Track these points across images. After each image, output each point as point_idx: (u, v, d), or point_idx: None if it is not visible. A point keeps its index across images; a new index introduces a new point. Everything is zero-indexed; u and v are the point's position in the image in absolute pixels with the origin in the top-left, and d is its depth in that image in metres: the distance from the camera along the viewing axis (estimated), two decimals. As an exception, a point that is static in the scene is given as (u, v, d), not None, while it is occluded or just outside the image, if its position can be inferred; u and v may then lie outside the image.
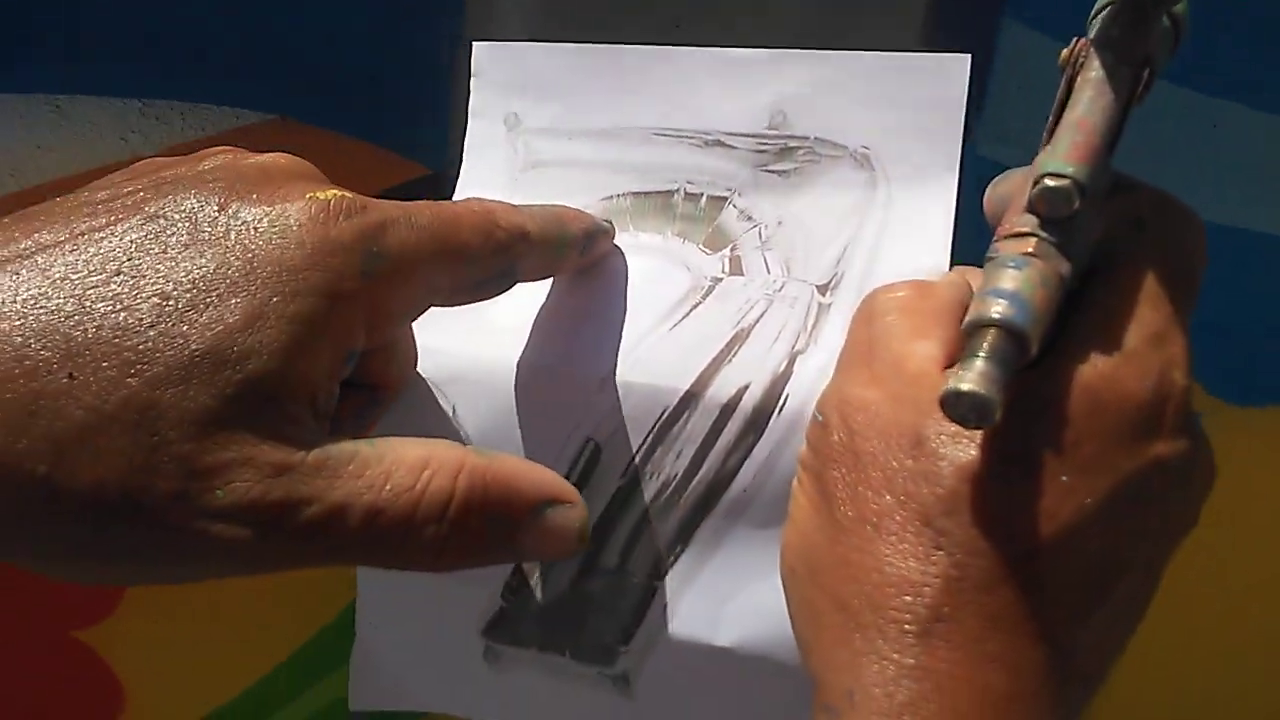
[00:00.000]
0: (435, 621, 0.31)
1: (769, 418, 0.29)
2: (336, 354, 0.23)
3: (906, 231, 0.31)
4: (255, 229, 0.22)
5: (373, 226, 0.23)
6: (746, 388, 0.30)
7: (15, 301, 0.20)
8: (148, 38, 0.42)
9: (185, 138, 0.44)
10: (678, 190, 0.33)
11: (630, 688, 0.30)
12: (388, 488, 0.22)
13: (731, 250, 0.32)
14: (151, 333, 0.20)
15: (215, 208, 0.22)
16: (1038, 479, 0.22)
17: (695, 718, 0.30)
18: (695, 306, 0.31)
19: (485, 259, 0.26)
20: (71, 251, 0.21)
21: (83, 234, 0.21)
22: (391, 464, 0.22)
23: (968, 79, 0.30)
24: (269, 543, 0.21)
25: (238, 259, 0.21)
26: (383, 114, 0.45)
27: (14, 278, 0.21)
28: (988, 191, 0.29)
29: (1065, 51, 0.25)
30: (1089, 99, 0.24)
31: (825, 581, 0.24)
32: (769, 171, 0.32)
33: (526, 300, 0.32)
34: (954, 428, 0.23)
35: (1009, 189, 0.28)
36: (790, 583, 0.26)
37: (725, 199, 0.32)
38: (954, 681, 0.22)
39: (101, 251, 0.21)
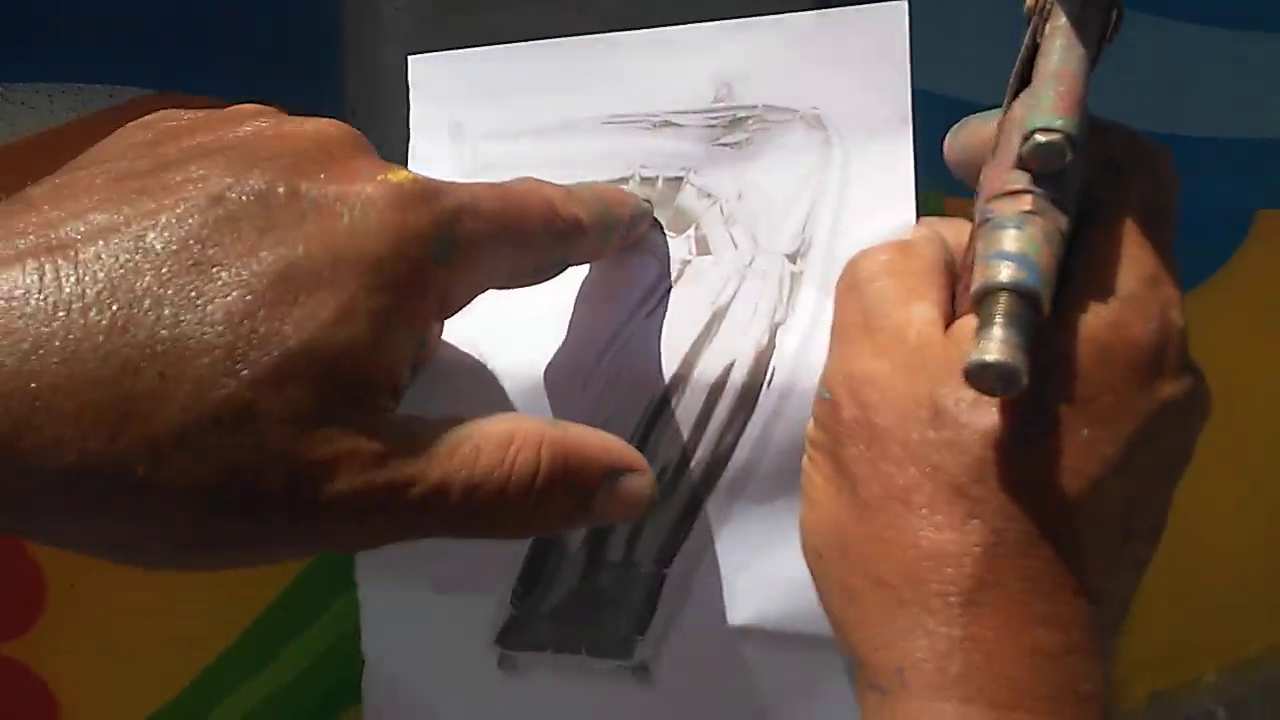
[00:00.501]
0: (445, 637, 0.31)
1: (758, 392, 0.29)
2: (413, 342, 0.23)
3: (868, 188, 0.31)
4: (333, 215, 0.21)
5: (448, 213, 0.23)
6: (732, 365, 0.30)
7: (89, 295, 0.19)
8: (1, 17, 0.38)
9: (57, 120, 0.41)
10: (632, 176, 0.33)
11: (650, 676, 0.30)
12: (480, 464, 0.22)
13: (695, 230, 0.32)
14: (243, 329, 0.20)
15: (285, 190, 0.21)
16: (1060, 436, 0.23)
17: (717, 699, 0.30)
18: (668, 291, 0.31)
19: (547, 248, 0.26)
20: (137, 237, 0.20)
21: (143, 217, 0.20)
22: (480, 440, 0.22)
23: (907, 24, 0.30)
24: (376, 524, 0.21)
25: (319, 248, 0.21)
26: (270, 76, 0.43)
27: (81, 268, 0.19)
28: (947, 140, 0.29)
29: (1030, 0, 0.26)
30: (1062, 47, 0.24)
31: (858, 561, 0.24)
32: (721, 145, 0.32)
33: (499, 303, 0.31)
34: (972, 394, 0.23)
35: (971, 139, 0.28)
36: (818, 565, 0.26)
37: (681, 179, 0.32)
38: (1003, 648, 0.22)
39: (171, 239, 0.20)
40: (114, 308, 0.19)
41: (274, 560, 0.23)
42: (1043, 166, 0.23)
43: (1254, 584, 0.93)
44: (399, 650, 0.31)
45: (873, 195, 0.31)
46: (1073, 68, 0.24)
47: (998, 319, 0.22)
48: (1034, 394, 0.23)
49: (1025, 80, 0.26)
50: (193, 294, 0.20)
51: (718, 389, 0.30)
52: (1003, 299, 0.22)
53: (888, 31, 0.30)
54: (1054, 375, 0.23)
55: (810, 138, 0.31)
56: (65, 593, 0.50)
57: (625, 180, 0.33)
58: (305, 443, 0.20)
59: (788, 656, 0.29)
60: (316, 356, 0.20)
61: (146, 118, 0.24)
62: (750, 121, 0.32)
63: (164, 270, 0.20)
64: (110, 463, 0.19)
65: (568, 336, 0.30)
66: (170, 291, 0.20)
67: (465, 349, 0.30)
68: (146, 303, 0.19)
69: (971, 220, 0.29)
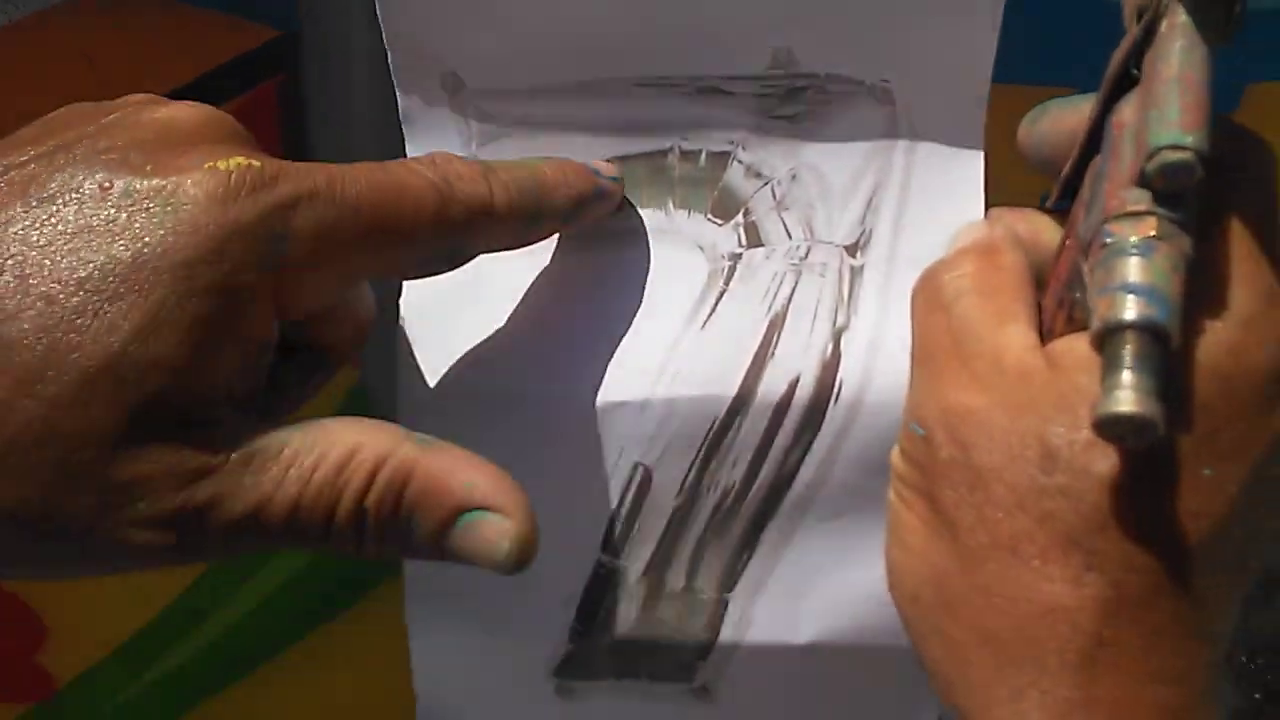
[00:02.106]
0: (500, 672, 0.30)
1: (825, 409, 0.27)
2: (246, 350, 0.21)
3: (936, 175, 0.28)
4: (146, 211, 0.20)
5: (281, 204, 0.21)
6: (797, 381, 0.27)
7: None
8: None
9: None
10: (671, 150, 0.29)
11: (712, 696, 0.29)
12: (312, 481, 0.21)
13: (744, 216, 0.29)
14: (40, 347, 0.19)
15: (100, 187, 0.20)
16: (1182, 479, 0.22)
17: (780, 714, 0.29)
18: (721, 296, 0.28)
19: (431, 240, 0.24)
20: None
21: None
22: (321, 454, 0.21)
23: (1002, 5, 0.26)
24: (194, 540, 0.21)
25: (126, 250, 0.20)
26: None
27: None
28: (1023, 126, 0.27)
29: None
30: (1183, 49, 0.22)
31: (964, 614, 0.23)
32: (775, 118, 0.28)
33: (528, 328, 0.28)
34: (1085, 434, 0.22)
35: (1053, 127, 0.26)
36: (913, 609, 0.24)
37: (728, 154, 0.28)
38: (1122, 710, 0.22)
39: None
40: None
41: (104, 574, 0.23)
42: (1170, 187, 0.21)
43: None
44: (451, 686, 0.30)
45: (941, 184, 0.28)
46: (1197, 73, 0.21)
47: (1128, 362, 0.20)
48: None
49: (1122, 81, 0.23)
50: (10, 306, 0.19)
51: (782, 408, 0.27)
52: (1131, 338, 0.20)
53: (979, 6, 0.26)
54: (1177, 413, 0.22)
55: (876, 114, 0.28)
56: None
57: (663, 154, 0.29)
58: (116, 463, 0.20)
59: (852, 672, 0.29)
60: (119, 376, 0.19)
61: (55, 114, 0.23)
62: (810, 92, 0.28)
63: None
64: None
65: (618, 361, 0.27)
66: None
67: (510, 380, 0.27)
68: None
69: (1040, 210, 0.26)
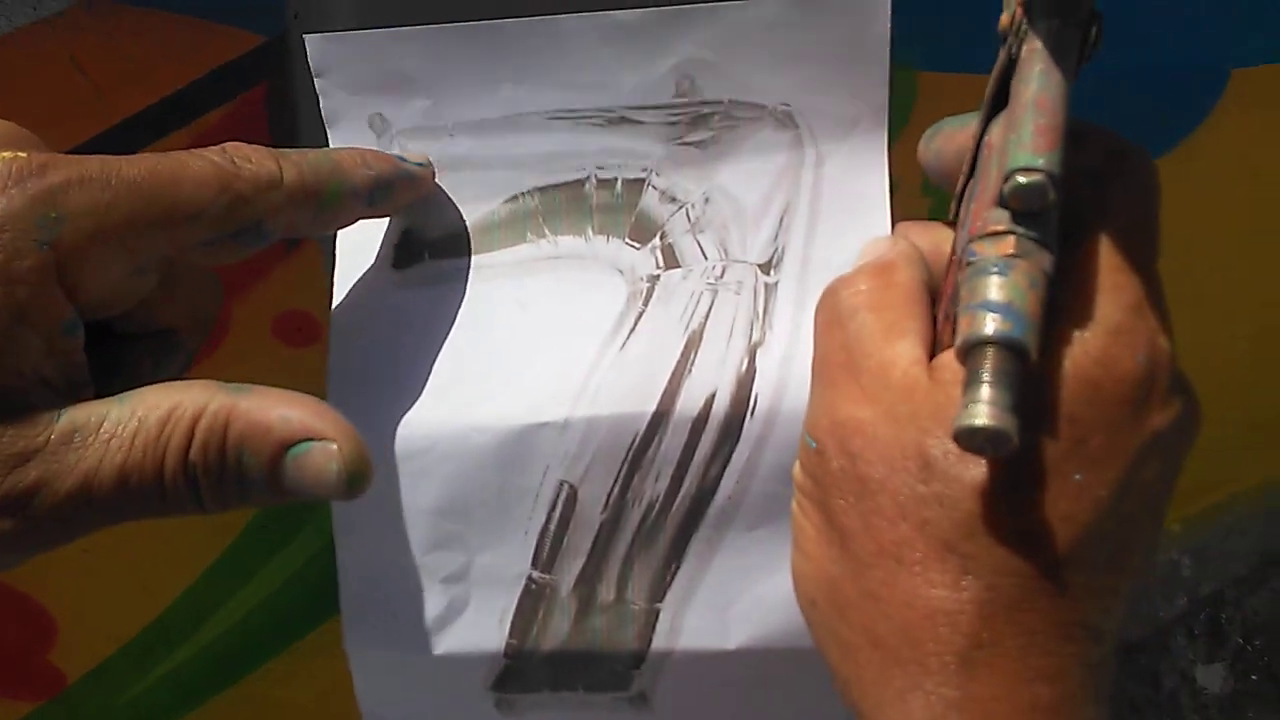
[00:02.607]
0: (440, 688, 0.31)
1: (742, 422, 0.28)
2: (44, 333, 0.22)
3: (842, 192, 0.29)
4: None
5: (50, 190, 0.22)
6: (713, 396, 0.28)
7: None
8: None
9: None
10: (588, 178, 0.30)
11: (649, 704, 0.30)
12: (136, 443, 0.22)
13: (661, 239, 0.30)
14: None
15: None
16: (1051, 485, 0.23)
17: (715, 715, 0.30)
18: (640, 316, 0.29)
19: (217, 217, 0.24)
20: None
21: None
22: (140, 418, 0.22)
23: (889, 17, 0.27)
24: (29, 526, 0.21)
25: None
26: None
27: None
28: (921, 144, 0.28)
29: (1005, 17, 0.23)
30: (1041, 73, 0.23)
31: (854, 617, 0.24)
32: (685, 144, 0.29)
33: (456, 352, 0.29)
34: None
35: (946, 145, 0.26)
36: (812, 613, 0.25)
37: (643, 180, 0.30)
38: (1000, 706, 0.22)
39: None
40: None
41: None
42: (1025, 206, 0.22)
43: (1216, 436, 0.96)
44: (394, 703, 0.31)
45: (847, 200, 0.29)
46: (1052, 95, 0.22)
47: (985, 376, 0.21)
48: (1023, 442, 0.22)
49: (999, 99, 0.24)
50: None
51: (700, 422, 0.28)
52: (990, 353, 0.21)
53: (867, 20, 0.27)
54: (1042, 420, 0.23)
55: (780, 136, 0.29)
56: None
57: (580, 182, 0.30)
58: None
59: (782, 675, 0.30)
60: None
61: None
62: (715, 118, 0.29)
63: None
64: None
65: (541, 383, 0.29)
66: None
67: (436, 404, 0.28)
68: None
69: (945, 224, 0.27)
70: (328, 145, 0.31)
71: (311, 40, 0.29)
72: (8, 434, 0.21)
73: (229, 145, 0.25)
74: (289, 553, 0.56)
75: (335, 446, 0.23)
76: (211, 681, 0.60)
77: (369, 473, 0.23)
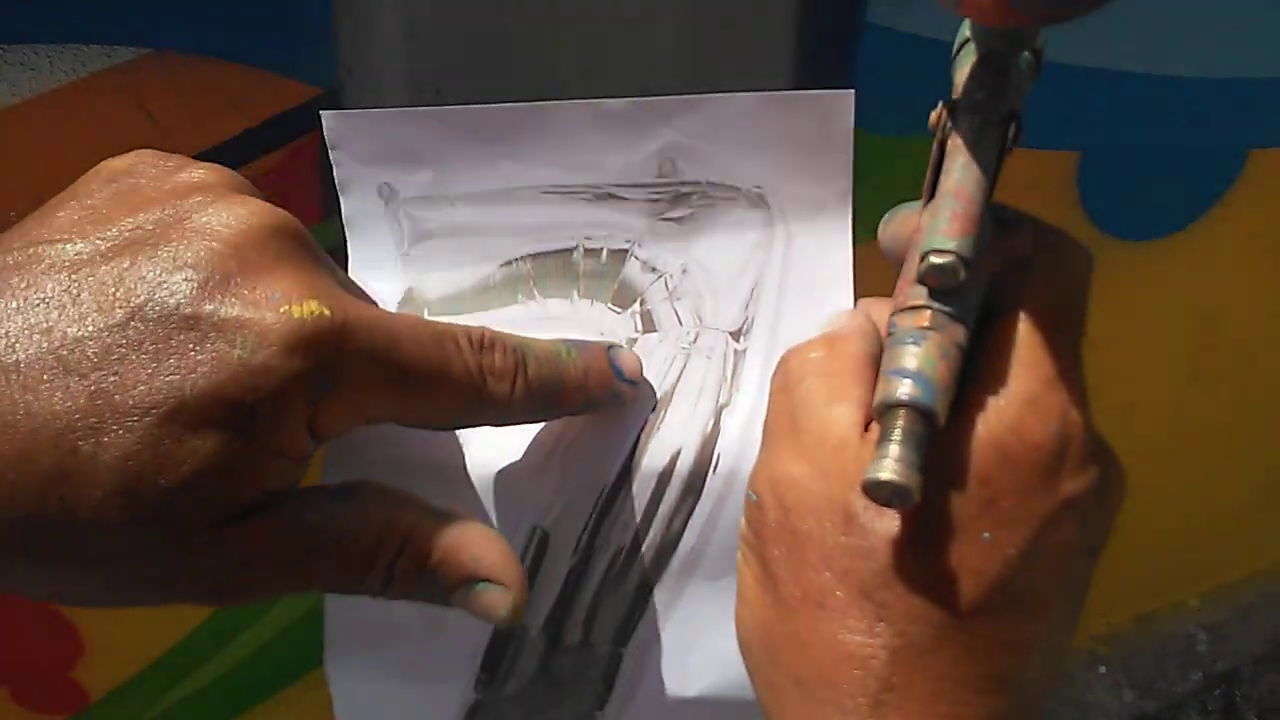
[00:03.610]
0: (415, 717, 0.32)
1: (704, 478, 0.30)
2: (285, 464, 0.24)
3: (809, 268, 0.31)
4: (227, 344, 0.23)
5: (340, 360, 0.24)
6: (679, 453, 0.30)
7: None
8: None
9: (56, 81, 0.43)
10: (576, 247, 0.32)
11: (612, 742, 0.32)
12: (353, 551, 0.25)
13: (640, 305, 0.32)
14: (130, 469, 0.22)
15: (191, 312, 0.23)
16: (962, 540, 0.25)
17: None
18: None
19: (454, 421, 0.29)
20: (62, 344, 0.22)
21: (69, 322, 0.22)
22: (356, 534, 0.25)
23: (853, 112, 0.29)
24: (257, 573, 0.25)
25: (207, 384, 0.22)
26: (264, 35, 0.43)
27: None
28: (880, 229, 0.30)
29: (933, 115, 0.25)
30: (961, 165, 0.25)
31: (781, 659, 0.26)
32: (666, 220, 0.32)
33: None
34: None
35: (900, 229, 0.29)
36: (748, 658, 0.27)
37: (626, 251, 0.32)
38: None
39: (84, 357, 0.22)
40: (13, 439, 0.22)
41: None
42: (939, 284, 0.24)
43: (1236, 513, 0.95)
44: None
45: (814, 276, 0.31)
46: (969, 187, 0.25)
47: (895, 435, 0.23)
48: (936, 499, 0.25)
49: (935, 188, 0.26)
50: (94, 421, 0.22)
51: (665, 477, 0.30)
52: (900, 415, 0.23)
53: (834, 117, 0.30)
54: (955, 480, 0.25)
55: (753, 216, 0.31)
56: None
57: (569, 251, 0.33)
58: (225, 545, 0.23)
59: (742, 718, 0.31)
60: (198, 496, 0.23)
61: (116, 163, 0.26)
62: (694, 197, 0.32)
63: (75, 388, 0.22)
64: None
65: (519, 432, 0.31)
66: (78, 420, 0.22)
67: (420, 449, 0.31)
68: (53, 429, 0.22)
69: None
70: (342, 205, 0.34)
71: (327, 116, 0.33)
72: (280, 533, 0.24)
73: (486, 338, 0.27)
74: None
75: (509, 594, 0.26)
76: (230, 706, 0.62)
77: (524, 611, 0.26)
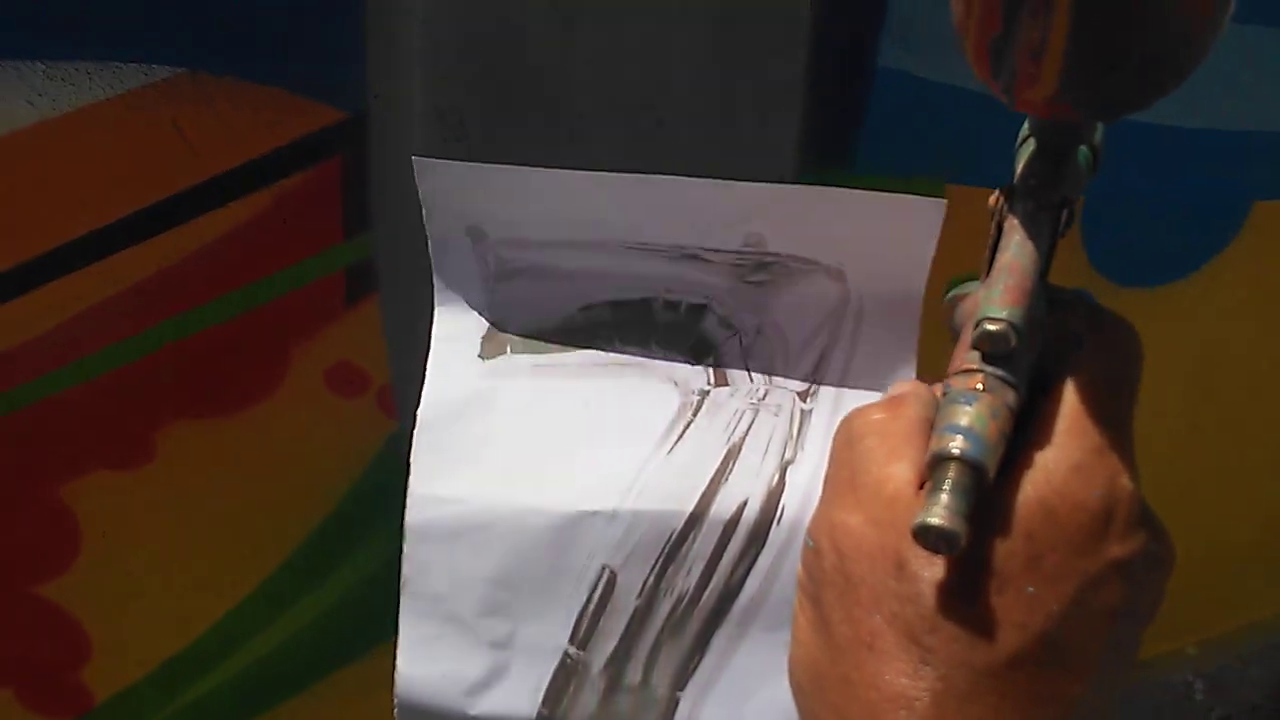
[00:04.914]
0: None
1: (768, 529, 0.32)
2: None
3: (877, 342, 0.34)
4: None
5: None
6: (745, 504, 0.32)
7: None
8: (44, -2, 0.41)
9: (95, 97, 0.45)
10: (656, 299, 0.34)
11: (664, 783, 0.33)
12: None
13: (715, 359, 0.34)
14: None
15: None
16: (1006, 593, 0.27)
17: None
18: (688, 426, 0.34)
19: None
20: None
21: None
22: None
23: (942, 220, 0.31)
24: None
25: None
26: (294, 59, 0.45)
27: None
28: (943, 302, 0.33)
29: (991, 198, 0.28)
30: (1016, 244, 0.28)
31: (830, 698, 0.28)
32: (746, 282, 0.34)
33: (525, 439, 0.33)
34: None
35: (961, 302, 0.32)
36: (798, 696, 0.29)
37: (705, 306, 0.34)
38: None
39: None
40: None
41: None
42: (991, 349, 0.27)
43: (1235, 561, 0.98)
44: None
45: (881, 349, 0.34)
46: (1023, 263, 0.28)
47: (945, 486, 0.25)
48: (983, 552, 0.27)
49: (992, 266, 0.29)
50: None
51: (731, 526, 0.32)
52: (950, 467, 0.26)
53: (923, 223, 0.33)
54: (1001, 533, 0.27)
55: (830, 287, 0.34)
56: (98, 540, 0.56)
57: (649, 301, 0.35)
58: None
59: None
60: None
61: None
62: (776, 266, 0.34)
63: None
64: None
65: (595, 475, 0.33)
66: None
67: (500, 486, 0.33)
68: None
69: None
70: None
71: (418, 161, 0.34)
72: None
73: None
74: (319, 595, 0.60)
75: None
76: (235, 713, 0.63)
77: None
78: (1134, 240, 0.77)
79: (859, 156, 0.56)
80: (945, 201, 0.32)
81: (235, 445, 0.55)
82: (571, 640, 0.34)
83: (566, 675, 0.33)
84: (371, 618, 0.60)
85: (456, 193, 0.35)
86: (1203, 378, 0.87)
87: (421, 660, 0.34)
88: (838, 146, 0.56)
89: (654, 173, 0.33)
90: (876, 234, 0.33)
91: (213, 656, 0.61)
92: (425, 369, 0.35)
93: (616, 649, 0.33)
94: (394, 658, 0.34)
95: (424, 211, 0.35)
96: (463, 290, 0.35)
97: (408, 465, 0.34)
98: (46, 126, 0.45)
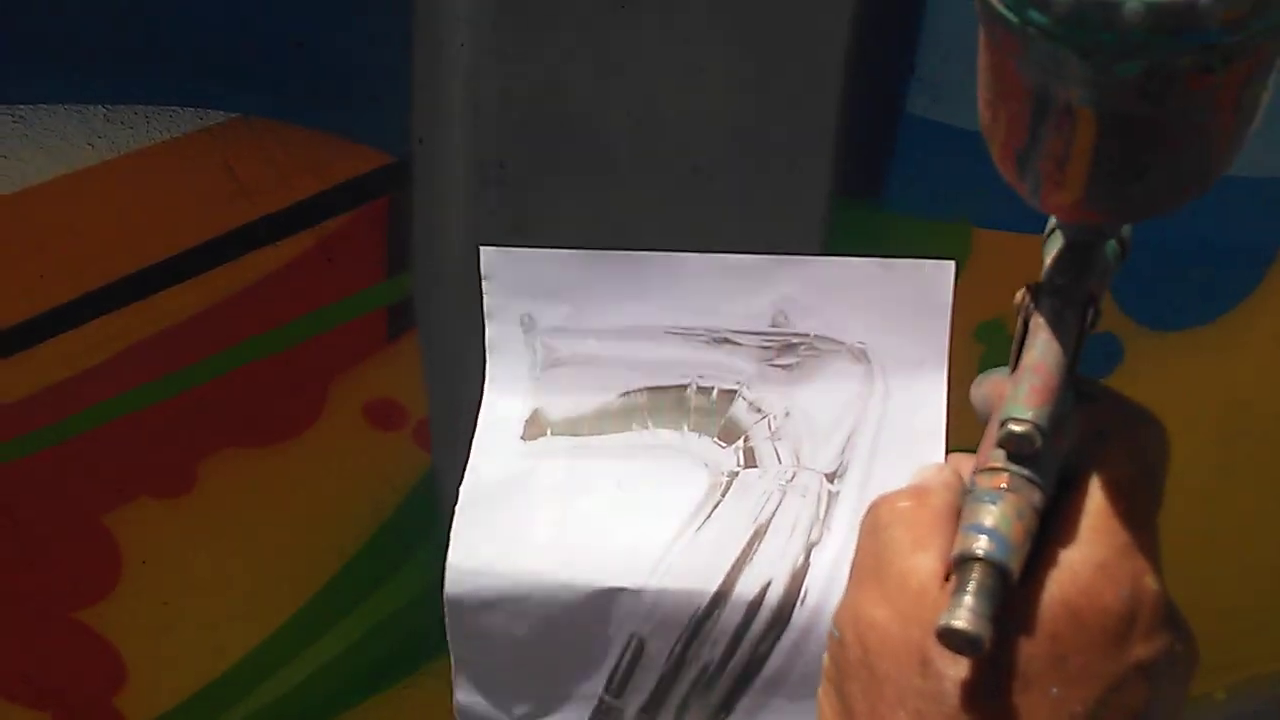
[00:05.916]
0: None
1: (792, 610, 0.35)
2: None
3: (904, 421, 0.36)
4: None
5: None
6: (769, 585, 0.35)
7: None
8: (107, 42, 0.45)
9: (150, 139, 0.48)
10: (690, 385, 0.37)
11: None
12: None
13: (744, 442, 0.37)
14: None
15: None
16: (1030, 693, 0.28)
17: None
18: (716, 506, 0.36)
19: None
20: None
21: None
22: None
23: (952, 280, 0.33)
24: None
25: None
26: (342, 105, 0.48)
27: None
28: (971, 390, 0.34)
29: (1017, 296, 0.30)
30: (1043, 342, 0.29)
31: None
32: (774, 366, 0.36)
33: (560, 517, 0.36)
34: None
35: (989, 390, 0.33)
36: None
37: (735, 392, 0.37)
38: None
39: None
40: None
41: None
42: (1016, 450, 0.28)
43: (1263, 606, 0.99)
44: None
45: (908, 428, 0.36)
46: (1049, 362, 0.28)
47: (969, 587, 0.26)
48: (1008, 651, 0.28)
49: (1019, 360, 0.30)
50: None
51: (755, 605, 0.35)
52: (975, 569, 0.26)
53: (934, 285, 0.35)
54: (1025, 634, 0.28)
55: (855, 368, 0.36)
56: (138, 568, 0.59)
57: (683, 388, 0.37)
58: None
59: None
60: None
61: None
62: (802, 347, 0.36)
63: None
64: None
65: (626, 552, 0.35)
66: None
67: (538, 560, 0.35)
68: None
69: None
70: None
71: (485, 251, 0.38)
72: None
73: None
74: (350, 625, 0.63)
75: None
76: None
77: None
78: (1162, 284, 0.78)
79: (887, 200, 0.58)
80: (954, 263, 0.34)
81: (274, 476, 0.58)
82: (607, 690, 0.37)
83: (604, 716, 0.36)
84: (401, 648, 0.63)
85: (517, 279, 0.38)
86: (1230, 420, 0.88)
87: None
88: (868, 190, 0.58)
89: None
90: (893, 301, 0.35)
91: (245, 685, 0.63)
92: (470, 448, 0.38)
93: (649, 700, 0.36)
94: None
95: (485, 301, 0.38)
96: (511, 377, 0.38)
97: (448, 538, 0.37)
98: (105, 167, 0.48)
